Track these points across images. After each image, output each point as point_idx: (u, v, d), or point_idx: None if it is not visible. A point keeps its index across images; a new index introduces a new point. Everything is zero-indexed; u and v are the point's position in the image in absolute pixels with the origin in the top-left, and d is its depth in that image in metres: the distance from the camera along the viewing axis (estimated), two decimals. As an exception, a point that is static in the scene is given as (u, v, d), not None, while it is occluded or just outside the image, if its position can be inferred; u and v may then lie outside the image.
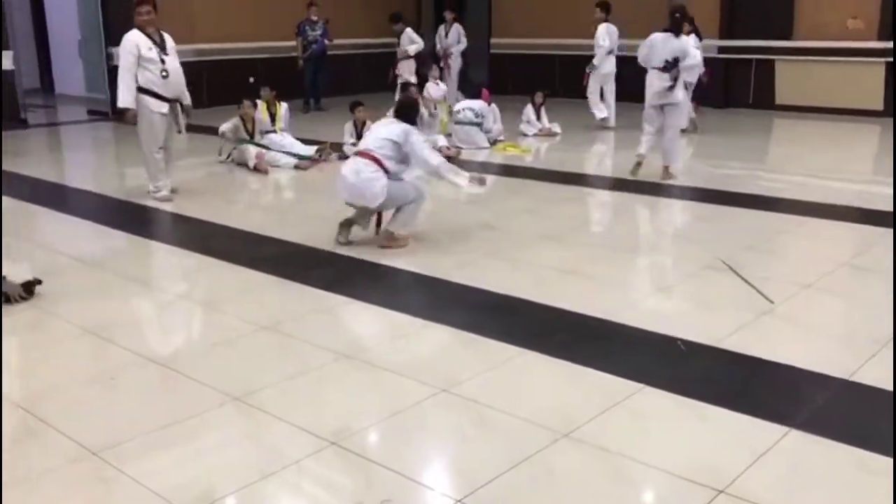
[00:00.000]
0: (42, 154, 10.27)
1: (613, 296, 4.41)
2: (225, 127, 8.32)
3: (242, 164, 8.19)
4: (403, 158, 5.22)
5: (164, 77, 6.41)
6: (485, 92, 9.84)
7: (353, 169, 5.18)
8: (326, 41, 12.48)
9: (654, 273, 5.02)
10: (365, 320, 4.14)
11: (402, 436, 2.96)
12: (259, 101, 8.51)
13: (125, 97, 6.38)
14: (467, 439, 2.94)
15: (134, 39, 6.39)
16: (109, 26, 12.03)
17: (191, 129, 10.51)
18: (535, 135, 10.02)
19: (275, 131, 8.51)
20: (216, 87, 12.38)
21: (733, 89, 12.25)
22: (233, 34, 12.94)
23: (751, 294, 4.32)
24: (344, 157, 8.51)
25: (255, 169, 7.97)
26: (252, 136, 8.27)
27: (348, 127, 8.75)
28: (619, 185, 7.32)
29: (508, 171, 8.10)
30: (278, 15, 12.89)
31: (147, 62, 6.37)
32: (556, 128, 10.19)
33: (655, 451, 2.80)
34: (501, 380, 3.39)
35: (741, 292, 4.38)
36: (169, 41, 6.53)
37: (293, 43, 12.49)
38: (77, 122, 12.31)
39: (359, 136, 8.64)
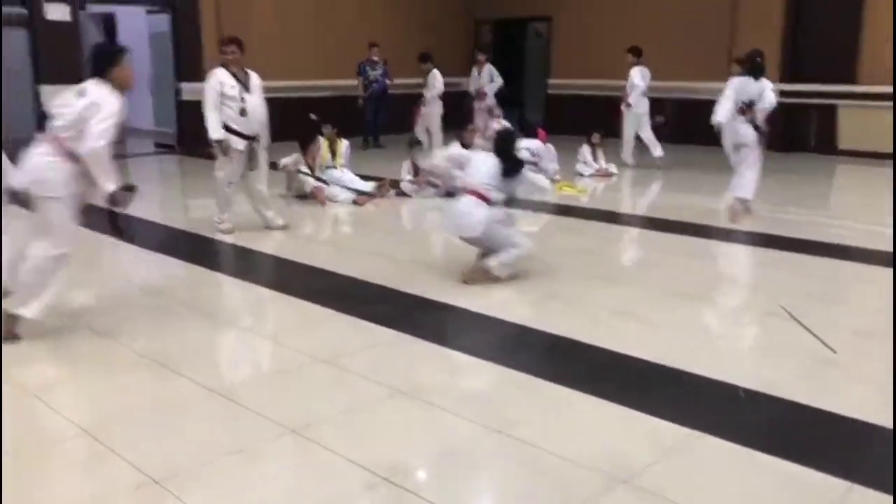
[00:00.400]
0: (110, 185, 10.61)
1: (671, 340, 4.36)
2: (286, 160, 8.51)
3: (301, 196, 8.36)
4: (505, 189, 5.40)
5: (242, 115, 6.61)
6: (541, 132, 9.91)
7: (460, 202, 5.38)
8: (387, 81, 12.73)
9: (713, 318, 4.95)
10: (420, 357, 4.16)
11: (456, 475, 2.96)
12: (321, 138, 8.70)
13: (215, 131, 6.60)
14: (521, 482, 2.93)
15: (218, 76, 6.63)
16: (180, 63, 12.48)
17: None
18: (591, 175, 10.03)
19: (335, 167, 8.67)
20: (279, 123, 12.67)
21: (795, 133, 12.10)
22: (295, 72, 13.28)
23: (813, 343, 4.23)
24: (401, 193, 8.65)
25: (312, 195, 8.14)
26: (312, 171, 8.44)
27: (406, 165, 8.89)
28: (676, 227, 7.26)
29: (564, 210, 8.11)
30: (340, 55, 13.21)
31: (228, 99, 6.59)
32: (613, 168, 10.20)
33: (714, 502, 2.75)
34: (556, 423, 3.37)
35: (803, 341, 4.29)
36: (254, 79, 6.75)
37: (354, 82, 12.76)
38: (145, 155, 12.71)
39: (416, 174, 8.77)
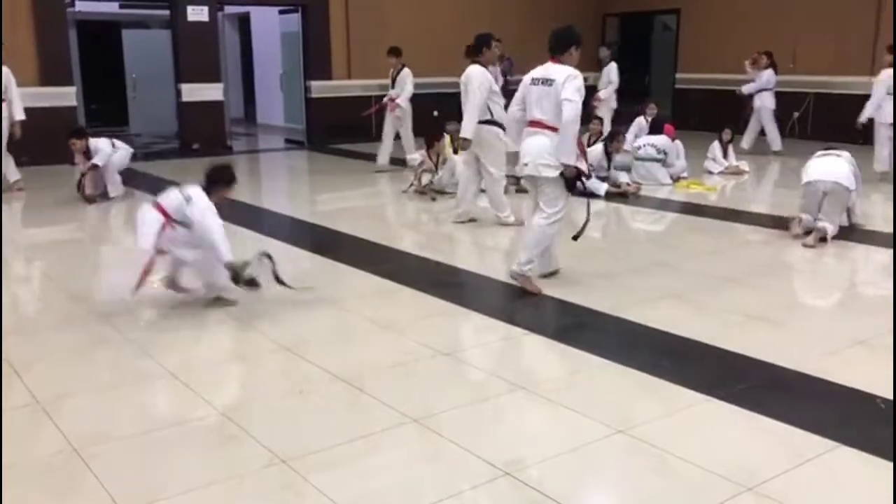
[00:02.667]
0: (242, 178, 11.07)
1: (804, 346, 4.16)
2: (413, 158, 8.63)
3: (420, 192, 8.45)
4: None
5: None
6: (668, 127, 9.64)
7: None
8: (507, 77, 12.70)
9: (849, 323, 4.68)
10: (541, 353, 4.14)
11: (578, 473, 2.93)
12: (445, 135, 8.78)
13: (469, 128, 6.67)
14: (645, 484, 2.87)
15: (486, 74, 6.73)
16: (309, 61, 12.88)
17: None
18: (720, 173, 9.67)
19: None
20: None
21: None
22: (422, 69, 13.44)
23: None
24: (522, 190, 8.60)
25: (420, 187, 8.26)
26: (436, 167, 8.53)
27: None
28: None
29: (691, 209, 7.87)
30: (463, 50, 13.26)
31: (496, 96, 6.79)
32: (745, 166, 9.79)
33: (851, 516, 2.61)
34: (682, 426, 3.28)
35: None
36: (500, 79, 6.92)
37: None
38: (275, 150, 13.21)
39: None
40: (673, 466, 2.94)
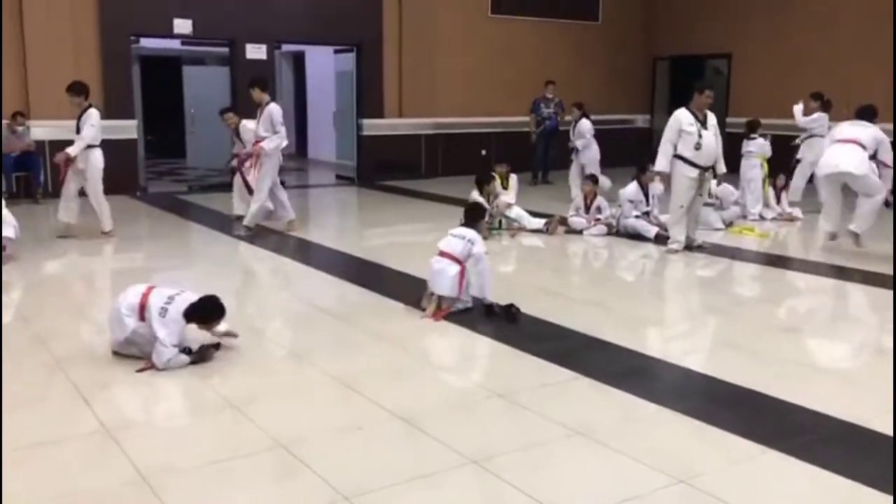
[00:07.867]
0: (296, 213, 11.27)
1: (869, 398, 4.08)
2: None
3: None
4: None
5: (697, 149, 7.39)
6: (720, 172, 9.57)
7: None
8: (558, 119, 12.82)
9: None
10: (596, 398, 4.12)
11: (638, 522, 2.90)
12: (494, 175, 8.86)
13: (661, 163, 7.59)
14: (706, 535, 2.84)
15: (679, 117, 7.53)
16: (361, 100, 13.13)
17: (427, 197, 11.13)
18: (773, 219, 9.57)
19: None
20: (452, 157, 13.07)
21: None
22: (471, 108, 13.63)
23: None
24: (571, 230, 8.62)
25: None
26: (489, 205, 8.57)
27: (577, 199, 8.86)
28: (872, 278, 6.76)
29: (744, 255, 7.79)
30: (516, 92, 13.43)
31: (687, 135, 7.45)
32: (798, 212, 9.68)
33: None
34: (743, 477, 3.23)
35: None
36: (711, 119, 7.55)
37: (527, 118, 12.93)
38: (326, 186, 13.42)
39: (587, 209, 8.72)
40: (735, 519, 2.90)
